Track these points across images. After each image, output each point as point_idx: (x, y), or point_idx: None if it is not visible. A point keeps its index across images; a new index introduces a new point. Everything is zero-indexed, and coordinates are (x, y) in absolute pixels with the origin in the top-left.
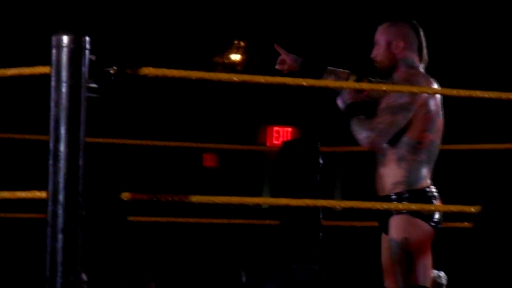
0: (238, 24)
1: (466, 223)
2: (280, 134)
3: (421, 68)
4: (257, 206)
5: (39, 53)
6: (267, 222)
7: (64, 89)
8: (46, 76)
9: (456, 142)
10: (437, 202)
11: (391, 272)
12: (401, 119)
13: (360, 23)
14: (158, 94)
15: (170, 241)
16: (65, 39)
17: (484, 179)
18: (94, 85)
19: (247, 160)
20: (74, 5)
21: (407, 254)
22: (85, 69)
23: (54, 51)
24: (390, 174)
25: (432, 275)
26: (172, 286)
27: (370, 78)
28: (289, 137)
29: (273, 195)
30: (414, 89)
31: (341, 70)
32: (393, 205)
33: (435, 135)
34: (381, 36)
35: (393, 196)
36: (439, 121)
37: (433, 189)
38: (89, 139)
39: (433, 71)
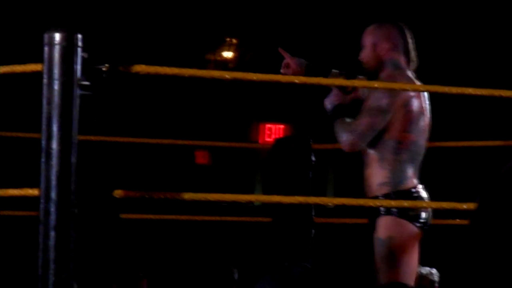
0: (230, 21)
1: (458, 220)
2: (272, 132)
3: (408, 70)
4: (249, 203)
5: (31, 51)
6: (260, 219)
7: (56, 86)
8: (38, 74)
9: (448, 139)
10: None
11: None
12: (379, 121)
13: (352, 20)
14: (150, 91)
15: (163, 238)
16: (57, 36)
17: (476, 176)
18: (86, 83)
19: (239, 157)
20: (66, 3)
21: (391, 253)
22: (77, 67)
23: (46, 48)
24: (375, 175)
25: (424, 272)
26: (164, 283)
27: (360, 77)
28: (281, 135)
29: (265, 192)
30: (407, 86)
31: (337, 71)
32: (385, 202)
33: (418, 135)
34: (367, 38)
35: (381, 197)
36: (424, 121)
37: (420, 189)
38: (81, 137)
39: (425, 69)
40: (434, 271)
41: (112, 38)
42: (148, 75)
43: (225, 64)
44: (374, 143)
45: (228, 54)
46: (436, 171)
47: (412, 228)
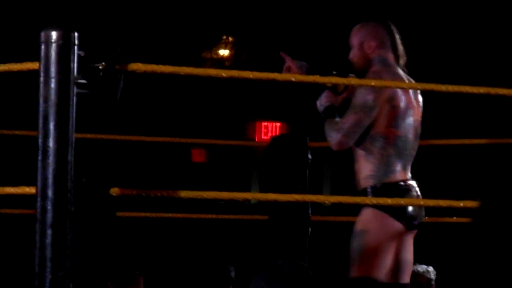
0: (226, 19)
1: (455, 218)
2: (268, 130)
3: (397, 66)
4: (246, 201)
5: (27, 49)
6: (256, 217)
7: (53, 85)
8: (35, 72)
9: (446, 137)
10: (412, 197)
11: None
12: (364, 118)
13: (348, 17)
14: (146, 89)
15: (159, 236)
16: (54, 34)
17: (474, 173)
18: (83, 81)
19: (235, 155)
20: (62, 1)
21: (362, 246)
22: (73, 65)
23: (42, 46)
24: (361, 169)
25: (421, 270)
26: (161, 280)
27: (351, 76)
28: (277, 133)
29: (262, 190)
30: (404, 85)
31: (336, 73)
32: (381, 200)
33: (405, 130)
34: (354, 38)
35: (368, 189)
36: (413, 117)
37: (410, 184)
38: (78, 135)
39: (423, 67)
40: (430, 269)
41: (108, 36)
42: (144, 74)
43: (221, 62)
44: (360, 139)
45: (224, 52)
46: (434, 169)
47: (393, 223)
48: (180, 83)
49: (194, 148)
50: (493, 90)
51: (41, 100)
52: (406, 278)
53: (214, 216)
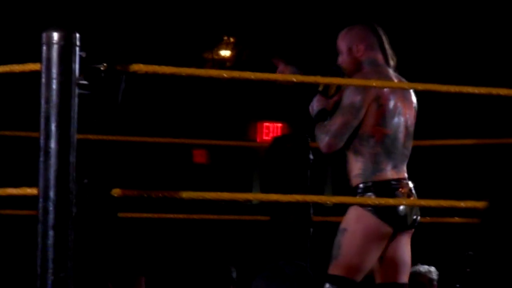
0: (227, 20)
1: (457, 218)
2: (270, 130)
3: (388, 66)
4: (248, 202)
5: (29, 50)
6: (258, 218)
7: (54, 86)
8: (37, 73)
9: (447, 137)
10: (401, 196)
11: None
12: (352, 120)
13: (348, 18)
14: (147, 90)
15: (161, 237)
16: (55, 36)
17: (475, 174)
18: (84, 82)
19: (237, 156)
20: (64, 2)
21: (340, 244)
22: (75, 66)
23: (44, 48)
24: (351, 168)
25: (423, 270)
26: (162, 281)
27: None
28: (279, 133)
29: (264, 191)
30: (405, 85)
31: None
32: (383, 201)
33: (393, 129)
34: (341, 43)
35: (360, 187)
36: (402, 116)
37: (403, 183)
38: (80, 136)
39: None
40: (433, 269)
41: (110, 37)
42: (146, 74)
43: (222, 63)
44: (349, 139)
45: (225, 53)
46: (436, 169)
47: (377, 224)
48: (181, 83)
49: (195, 149)
50: (494, 90)
51: (42, 101)
52: (403, 278)
53: (215, 216)
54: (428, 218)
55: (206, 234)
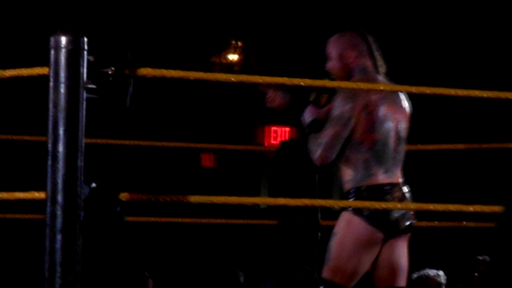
0: (235, 24)
1: (465, 222)
2: (278, 134)
3: (378, 73)
4: (255, 206)
5: (37, 54)
6: (266, 222)
7: (62, 90)
8: (45, 77)
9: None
10: (392, 201)
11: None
12: (342, 130)
13: (356, 23)
14: (155, 94)
15: (169, 241)
16: (63, 40)
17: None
18: (92, 86)
19: (245, 160)
20: (72, 6)
21: (330, 248)
22: (83, 70)
23: (52, 52)
24: (342, 175)
25: (432, 274)
26: (170, 284)
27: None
28: (286, 137)
29: (271, 194)
30: (413, 89)
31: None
32: (391, 205)
33: (383, 134)
34: (332, 50)
35: (352, 190)
36: (392, 121)
37: (397, 188)
38: (88, 140)
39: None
40: (441, 273)
41: (118, 41)
42: (154, 78)
43: (230, 67)
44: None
45: (233, 57)
46: (446, 172)
47: (368, 229)
48: (189, 88)
49: (203, 153)
50: (502, 94)
51: (50, 105)
52: (400, 282)
53: (223, 220)
54: (436, 222)
55: (213, 238)
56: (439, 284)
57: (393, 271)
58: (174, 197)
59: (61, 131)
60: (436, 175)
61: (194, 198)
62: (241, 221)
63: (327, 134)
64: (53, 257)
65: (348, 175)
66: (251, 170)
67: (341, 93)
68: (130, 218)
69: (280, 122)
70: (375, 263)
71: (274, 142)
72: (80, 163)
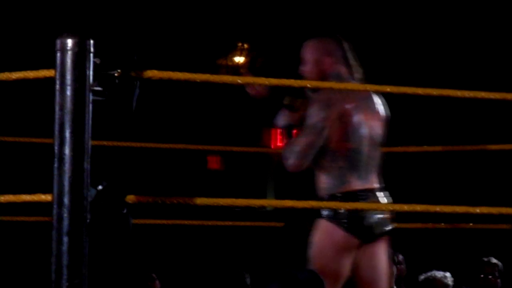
0: (241, 26)
1: (471, 224)
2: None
3: (352, 79)
4: (262, 208)
5: (43, 56)
6: (272, 224)
7: (68, 92)
8: (51, 80)
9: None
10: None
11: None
12: (316, 139)
13: (361, 24)
14: (162, 96)
15: (175, 243)
16: (70, 42)
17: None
18: (98, 88)
19: (251, 162)
20: (78, 8)
21: (309, 257)
22: (89, 72)
23: (58, 54)
24: (317, 182)
25: (439, 275)
26: (177, 287)
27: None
28: None
29: (278, 197)
30: (420, 90)
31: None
32: (397, 206)
33: (357, 142)
34: (308, 54)
35: (326, 197)
36: (366, 129)
37: (373, 193)
38: (94, 142)
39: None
40: (448, 274)
41: (124, 43)
42: (160, 80)
43: (236, 69)
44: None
45: (239, 59)
46: (452, 175)
47: (343, 235)
48: (196, 90)
49: (210, 155)
50: (509, 96)
51: (57, 108)
52: (382, 285)
53: (230, 223)
54: (443, 224)
55: (220, 240)
56: (446, 285)
57: (373, 275)
58: (180, 199)
59: (67, 134)
60: (442, 177)
61: (200, 200)
62: (247, 224)
63: (301, 142)
64: (60, 260)
65: (323, 183)
66: (257, 172)
67: (316, 102)
68: (136, 221)
69: None
70: (355, 269)
71: (281, 144)
72: (87, 165)
